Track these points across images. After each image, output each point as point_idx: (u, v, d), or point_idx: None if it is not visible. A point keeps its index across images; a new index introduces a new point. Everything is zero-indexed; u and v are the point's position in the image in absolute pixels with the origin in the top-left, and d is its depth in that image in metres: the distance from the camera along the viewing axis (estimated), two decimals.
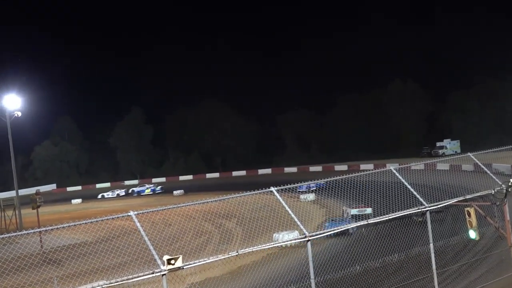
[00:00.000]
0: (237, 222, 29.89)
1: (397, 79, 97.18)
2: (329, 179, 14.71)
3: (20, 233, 11.02)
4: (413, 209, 13.54)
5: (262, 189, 13.08)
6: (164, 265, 10.17)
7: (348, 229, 13.23)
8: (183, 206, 13.17)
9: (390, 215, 13.24)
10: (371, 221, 13.01)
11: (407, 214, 13.57)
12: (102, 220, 11.63)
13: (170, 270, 10.23)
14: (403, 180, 14.44)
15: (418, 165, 20.22)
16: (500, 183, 14.85)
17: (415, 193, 13.97)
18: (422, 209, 13.47)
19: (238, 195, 14.98)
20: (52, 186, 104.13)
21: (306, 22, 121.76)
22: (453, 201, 14.54)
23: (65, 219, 41.25)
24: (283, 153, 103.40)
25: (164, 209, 13.68)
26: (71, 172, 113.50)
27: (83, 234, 29.01)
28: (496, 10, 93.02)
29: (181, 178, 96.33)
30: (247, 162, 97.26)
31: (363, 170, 16.70)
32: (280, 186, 12.96)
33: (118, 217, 11.53)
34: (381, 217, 13.15)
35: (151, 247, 10.36)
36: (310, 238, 11.79)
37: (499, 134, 75.36)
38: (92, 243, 24.79)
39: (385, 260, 14.99)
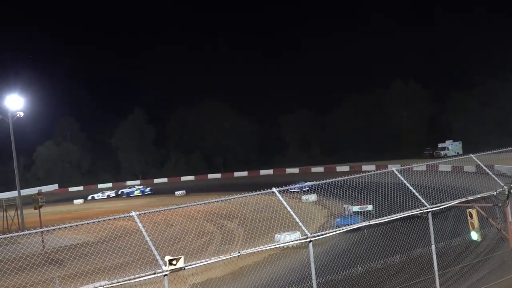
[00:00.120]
0: (238, 223, 29.91)
1: (398, 79, 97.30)
2: (330, 180, 14.71)
3: (22, 233, 11.03)
4: (415, 210, 13.53)
5: (263, 190, 13.08)
6: (165, 265, 10.17)
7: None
8: (185, 206, 13.17)
9: (392, 216, 13.23)
10: (373, 222, 12.99)
11: (409, 215, 13.57)
12: (104, 220, 11.64)
13: (172, 271, 10.24)
14: (405, 181, 14.43)
15: (420, 166, 20.20)
16: (502, 184, 14.83)
17: (417, 194, 13.96)
18: (424, 210, 13.46)
19: (240, 195, 14.99)
20: (54, 186, 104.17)
21: (306, 22, 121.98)
22: (455, 203, 14.53)
23: (67, 219, 41.33)
24: (284, 153, 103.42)
25: (166, 209, 13.68)
26: (73, 172, 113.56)
27: (85, 234, 29.01)
28: (496, 10, 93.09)
29: (183, 178, 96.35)
30: (248, 163, 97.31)
31: (365, 171, 16.68)
32: (281, 187, 12.95)
33: (120, 217, 11.54)
34: (383, 218, 13.13)
35: (152, 248, 10.36)
36: (311, 239, 11.78)
37: (500, 134, 75.25)
38: (94, 244, 24.77)
39: (387, 261, 14.96)
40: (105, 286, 9.92)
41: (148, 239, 10.46)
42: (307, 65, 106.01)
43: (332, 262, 14.70)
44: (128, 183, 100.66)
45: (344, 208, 38.19)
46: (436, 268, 13.34)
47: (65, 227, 11.09)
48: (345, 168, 75.03)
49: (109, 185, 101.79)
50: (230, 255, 11.21)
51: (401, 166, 17.32)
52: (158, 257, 10.19)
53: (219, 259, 11.09)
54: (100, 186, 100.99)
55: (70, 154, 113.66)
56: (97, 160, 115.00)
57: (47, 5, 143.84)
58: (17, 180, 50.33)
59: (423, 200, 13.65)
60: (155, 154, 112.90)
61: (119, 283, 9.91)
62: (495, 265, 17.64)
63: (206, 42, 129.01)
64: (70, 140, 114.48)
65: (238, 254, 11.23)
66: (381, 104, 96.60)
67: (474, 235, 14.36)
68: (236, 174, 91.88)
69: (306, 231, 11.88)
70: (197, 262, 10.76)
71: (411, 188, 14.22)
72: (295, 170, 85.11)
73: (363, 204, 32.62)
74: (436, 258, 13.31)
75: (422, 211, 13.47)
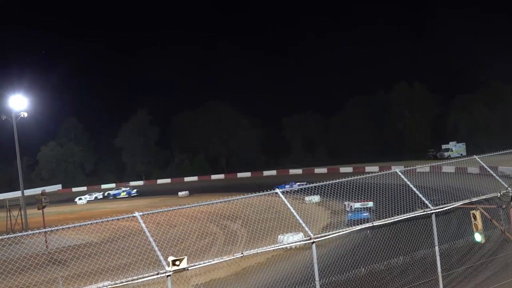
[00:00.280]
0: (242, 224, 29.87)
1: (403, 81, 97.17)
2: (334, 181, 14.70)
3: (25, 233, 11.04)
4: (419, 211, 13.50)
5: (267, 191, 13.08)
6: (169, 266, 10.17)
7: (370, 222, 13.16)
8: (188, 207, 13.16)
9: (395, 217, 13.20)
10: (376, 223, 12.97)
11: (412, 216, 13.54)
12: (107, 220, 11.66)
13: (175, 271, 10.24)
14: (409, 183, 14.40)
15: (423, 167, 20.16)
16: (506, 186, 14.80)
17: (420, 195, 13.94)
18: (428, 212, 13.43)
19: (243, 196, 14.98)
20: (57, 187, 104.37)
21: (313, 25, 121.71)
22: (459, 204, 14.50)
23: (70, 220, 41.42)
24: (288, 155, 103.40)
25: (169, 210, 13.70)
26: (76, 173, 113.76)
27: (88, 234, 29.06)
28: (504, 12, 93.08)
29: (186, 179, 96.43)
30: (252, 164, 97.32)
31: (369, 172, 16.67)
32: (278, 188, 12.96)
33: (123, 218, 11.56)
34: (386, 219, 13.12)
35: (156, 248, 10.36)
36: (315, 240, 11.77)
37: (505, 136, 75.09)
38: (98, 244, 24.82)
39: (390, 263, 14.93)
40: (108, 287, 9.93)
41: (151, 239, 10.46)
42: (312, 67, 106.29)
43: (335, 263, 14.68)
44: (132, 183, 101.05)
45: (345, 205, 39.07)
46: (439, 269, 13.31)
47: (68, 228, 11.11)
48: (348, 169, 74.94)
49: (113, 185, 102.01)
50: (233, 256, 11.21)
51: (405, 167, 17.29)
52: (161, 257, 10.20)
53: (222, 260, 11.09)
54: (103, 186, 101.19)
55: (73, 155, 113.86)
56: (101, 160, 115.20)
57: (53, 6, 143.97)
58: (20, 180, 50.43)
59: (426, 202, 13.63)
60: (158, 155, 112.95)
61: (122, 284, 9.91)
62: (499, 267, 17.58)
63: (211, 43, 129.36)
64: (74, 140, 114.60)
65: (241, 255, 11.23)
66: (385, 105, 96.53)
67: (478, 237, 14.32)
68: (240, 175, 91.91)
69: (309, 232, 11.87)
70: (200, 262, 10.76)
71: (414, 189, 14.20)
72: (299, 171, 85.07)
73: (364, 201, 34.19)
74: (440, 259, 13.29)
75: (425, 213, 13.44)
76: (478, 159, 16.59)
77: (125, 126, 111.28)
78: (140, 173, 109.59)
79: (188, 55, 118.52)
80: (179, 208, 13.09)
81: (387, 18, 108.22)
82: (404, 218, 13.39)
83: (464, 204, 14.57)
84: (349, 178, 14.53)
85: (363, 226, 13.05)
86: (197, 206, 13.72)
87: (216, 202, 14.34)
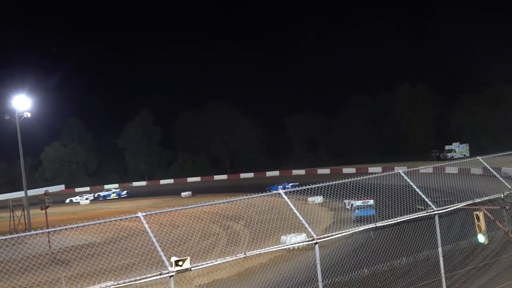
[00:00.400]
0: (244, 224, 29.89)
1: (406, 82, 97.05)
2: (337, 182, 14.68)
3: (28, 233, 11.06)
4: (422, 212, 13.49)
5: (262, 192, 13.09)
6: (171, 266, 10.17)
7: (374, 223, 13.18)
8: (191, 207, 13.14)
9: (398, 218, 13.19)
10: (379, 224, 12.95)
11: (415, 217, 13.52)
12: (110, 221, 11.66)
13: (178, 272, 10.24)
14: (412, 183, 14.38)
15: (426, 168, 20.13)
16: (510, 187, 14.77)
17: (423, 196, 13.92)
18: (431, 213, 13.41)
19: (246, 197, 14.98)
20: (60, 187, 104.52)
21: (313, 25, 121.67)
22: (462, 205, 14.47)
23: (73, 220, 41.46)
24: (291, 155, 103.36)
25: (172, 210, 13.69)
26: (79, 173, 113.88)
27: (91, 235, 29.07)
28: (506, 13, 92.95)
29: (189, 179, 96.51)
30: (255, 165, 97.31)
31: (372, 173, 16.66)
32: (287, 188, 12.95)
33: (126, 218, 11.56)
34: (389, 220, 13.10)
35: (159, 249, 10.36)
36: (318, 240, 11.76)
37: (508, 136, 74.94)
38: (100, 244, 24.84)
39: (393, 264, 14.91)
40: (111, 287, 9.93)
41: (154, 240, 10.46)
42: (315, 67, 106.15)
43: (338, 263, 14.66)
44: (135, 184, 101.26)
45: (345, 203, 39.69)
46: (442, 270, 13.29)
47: (71, 228, 11.11)
48: (351, 170, 74.97)
49: (116, 185, 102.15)
50: (236, 256, 11.20)
51: (408, 168, 17.27)
52: (164, 258, 10.20)
53: (225, 260, 11.08)
54: (106, 186, 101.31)
55: (77, 155, 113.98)
56: (104, 161, 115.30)
57: (56, 6, 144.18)
58: (24, 180, 50.51)
59: (430, 203, 13.61)
60: (161, 155, 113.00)
61: (125, 284, 9.92)
62: (502, 268, 17.53)
63: (211, 43, 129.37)
64: (77, 141, 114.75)
65: (244, 256, 11.23)
66: (388, 106, 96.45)
67: (481, 238, 14.28)
68: (242, 175, 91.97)
69: (312, 233, 11.85)
70: (203, 263, 10.76)
71: (417, 190, 14.18)
72: (302, 172, 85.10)
73: (365, 199, 35.50)
74: (443, 260, 13.27)
75: (428, 214, 13.42)
76: (482, 160, 16.56)
77: (128, 127, 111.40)
78: (143, 173, 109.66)
79: (188, 55, 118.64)
80: (182, 209, 13.09)
81: (387, 18, 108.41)
82: (408, 219, 13.38)
83: (467, 205, 14.54)
84: (350, 180, 14.51)
85: (366, 227, 13.03)
86: (200, 206, 13.71)
87: (219, 203, 14.34)
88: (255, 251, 11.51)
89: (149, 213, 11.21)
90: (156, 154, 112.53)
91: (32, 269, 16.81)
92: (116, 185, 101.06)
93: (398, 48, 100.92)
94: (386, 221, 13.09)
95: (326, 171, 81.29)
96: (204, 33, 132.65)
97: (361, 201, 37.23)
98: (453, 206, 14.19)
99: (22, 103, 50.28)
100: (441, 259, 13.25)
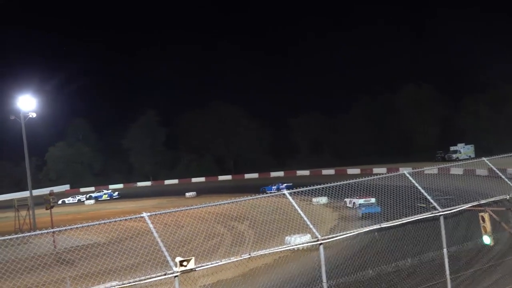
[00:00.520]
0: (249, 225, 29.83)
1: (410, 83, 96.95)
2: (342, 183, 14.67)
3: (34, 233, 11.10)
4: (427, 213, 13.45)
5: (265, 192, 13.11)
6: (176, 266, 10.18)
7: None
8: (195, 208, 13.16)
9: (403, 219, 13.16)
10: (384, 225, 12.93)
11: (420, 218, 13.49)
12: (115, 221, 11.68)
13: (183, 272, 10.24)
14: (417, 184, 14.35)
15: (431, 169, 20.06)
16: None
17: (429, 197, 13.89)
18: (436, 214, 13.38)
19: (251, 197, 14.98)
20: (65, 187, 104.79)
21: (320, 26, 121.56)
22: (467, 206, 14.43)
23: (78, 220, 41.55)
24: (296, 156, 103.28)
25: (177, 210, 13.71)
26: (84, 173, 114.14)
27: (96, 234, 29.09)
28: (506, 13, 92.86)
29: (194, 180, 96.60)
30: (260, 165, 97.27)
31: (376, 174, 16.64)
32: (292, 189, 12.94)
33: (131, 218, 11.58)
34: (394, 221, 13.07)
35: (163, 249, 10.37)
36: (322, 241, 11.74)
37: None
38: (105, 244, 24.85)
39: (398, 265, 14.88)
40: (116, 287, 9.95)
41: (159, 240, 10.47)
42: (321, 69, 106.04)
43: (343, 264, 14.64)
44: (139, 184, 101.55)
45: (346, 201, 40.13)
46: (447, 272, 13.25)
47: (76, 228, 11.14)
48: (356, 170, 74.87)
49: (120, 186, 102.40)
50: (241, 257, 11.20)
51: (413, 169, 17.22)
52: (169, 258, 10.21)
53: (230, 261, 11.09)
54: (111, 187, 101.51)
55: (82, 155, 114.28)
56: (109, 161, 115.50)
57: (61, 6, 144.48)
58: (28, 180, 50.65)
59: (434, 204, 13.58)
60: (166, 156, 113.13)
61: (130, 284, 9.93)
62: (508, 270, 17.47)
63: (213, 43, 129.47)
64: (82, 141, 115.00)
65: (249, 256, 11.23)
66: (395, 107, 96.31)
67: (487, 239, 14.24)
68: (247, 176, 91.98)
69: (317, 234, 11.84)
70: (207, 263, 10.76)
71: (422, 191, 14.15)
72: (306, 172, 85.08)
73: (367, 197, 37.16)
74: (448, 262, 13.23)
75: (434, 215, 13.39)
76: (487, 161, 16.52)
77: (132, 127, 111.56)
78: (147, 173, 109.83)
79: (189, 55, 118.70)
80: (186, 209, 13.10)
81: (387, 18, 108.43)
82: (412, 220, 13.35)
83: (472, 206, 14.50)
84: (359, 180, 14.48)
85: (371, 227, 13.01)
86: (204, 207, 13.72)
87: (224, 203, 14.34)
88: (259, 252, 11.51)
89: (154, 213, 11.23)
90: (161, 154, 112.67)
91: (37, 269, 16.85)
92: (121, 185, 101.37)
93: (400, 49, 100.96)
94: (391, 222, 13.06)
95: (331, 171, 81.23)
96: (204, 33, 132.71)
97: (363, 199, 38.43)
98: (458, 207, 14.14)
99: (27, 103, 50.38)
100: (446, 260, 13.22)
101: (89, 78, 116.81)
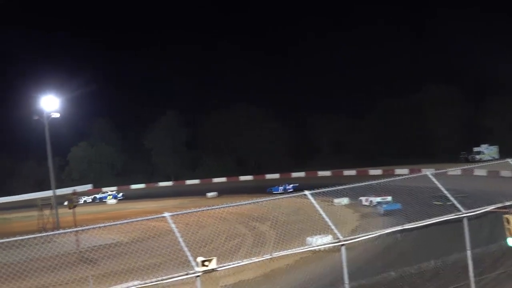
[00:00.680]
0: (270, 225, 29.82)
1: (433, 82, 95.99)
2: (364, 184, 14.59)
3: (57, 232, 11.22)
4: (450, 215, 13.31)
5: (295, 193, 13.08)
6: (198, 266, 10.20)
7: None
8: (216, 208, 13.20)
9: (426, 220, 13.04)
10: (406, 226, 12.83)
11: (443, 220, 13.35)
12: (137, 220, 11.77)
13: (204, 272, 10.26)
14: (440, 185, 14.21)
15: (454, 170, 19.85)
16: None
17: (451, 198, 13.74)
18: (460, 216, 13.23)
19: (272, 198, 15.01)
20: (88, 187, 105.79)
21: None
22: (491, 208, 14.25)
23: (100, 219, 41.90)
24: (317, 157, 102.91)
25: (198, 210, 13.77)
26: (106, 173, 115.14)
27: (118, 234, 29.32)
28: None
29: (215, 180, 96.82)
30: (281, 166, 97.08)
31: (398, 175, 16.52)
32: (314, 190, 12.89)
33: (153, 218, 11.65)
34: (417, 222, 12.96)
35: (185, 248, 10.40)
36: (344, 242, 11.68)
37: None
38: (128, 244, 25.04)
39: (421, 266, 14.75)
40: (138, 286, 10.01)
41: (181, 240, 10.50)
42: (343, 69, 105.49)
43: (365, 266, 14.57)
44: (161, 184, 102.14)
45: (361, 200, 40.82)
46: (471, 274, 13.10)
47: (99, 227, 11.23)
48: (378, 171, 74.38)
49: (142, 186, 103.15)
50: (262, 257, 11.19)
51: (436, 170, 17.06)
52: (190, 258, 10.23)
53: (251, 261, 11.09)
54: (133, 186, 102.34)
55: (104, 155, 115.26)
56: (131, 161, 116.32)
57: (83, 7, 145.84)
58: (52, 180, 51.11)
59: (458, 205, 13.42)
60: (187, 156, 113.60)
61: (152, 283, 9.98)
62: None
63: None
64: (104, 141, 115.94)
65: (270, 257, 11.22)
66: (417, 108, 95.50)
67: (511, 242, 14.05)
68: (268, 176, 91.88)
69: (338, 235, 11.78)
70: (229, 263, 10.77)
71: (445, 192, 14.00)
72: (327, 173, 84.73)
73: (383, 195, 38.73)
74: (472, 264, 13.08)
75: (457, 216, 13.24)
76: (511, 163, 16.29)
77: (154, 127, 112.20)
78: (169, 173, 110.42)
79: (219, 56, 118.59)
80: (208, 209, 13.15)
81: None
82: (435, 222, 13.22)
83: (497, 208, 14.31)
84: (381, 181, 14.39)
85: (393, 229, 12.91)
86: (226, 207, 13.75)
87: (245, 204, 14.36)
88: (281, 252, 11.50)
89: (176, 213, 11.27)
90: (182, 154, 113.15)
91: (60, 268, 17.05)
92: (143, 185, 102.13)
93: (426, 48, 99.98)
94: (413, 223, 12.95)
95: (352, 172, 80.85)
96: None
97: (380, 198, 39.72)
98: (482, 209, 13.96)
99: (51, 103, 50.81)
100: (470, 262, 13.06)
101: (111, 78, 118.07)
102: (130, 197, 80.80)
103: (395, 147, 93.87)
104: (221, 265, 10.53)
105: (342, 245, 11.65)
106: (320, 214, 12.31)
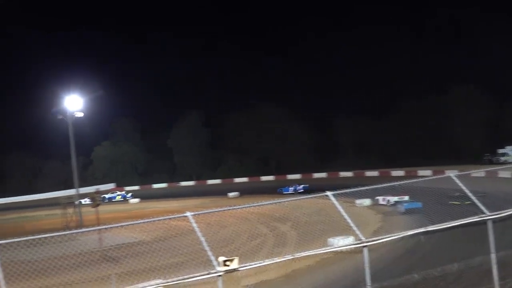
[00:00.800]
0: (291, 226, 29.80)
1: (457, 84, 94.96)
2: (385, 185, 14.50)
3: (81, 230, 11.35)
4: (475, 217, 13.15)
5: (317, 193, 13.04)
6: (219, 266, 10.23)
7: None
8: (238, 208, 13.22)
9: (450, 222, 12.90)
10: (430, 228, 12.71)
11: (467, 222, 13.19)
12: (159, 220, 11.84)
13: (226, 272, 10.29)
14: (463, 187, 14.05)
15: (478, 172, 19.63)
16: None
17: (475, 200, 13.58)
18: (484, 218, 13.07)
19: (293, 198, 14.98)
20: (111, 186, 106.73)
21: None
22: None
23: (122, 218, 42.23)
24: (339, 157, 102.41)
25: (220, 210, 13.82)
26: (129, 172, 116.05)
27: (140, 233, 29.54)
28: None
29: (236, 180, 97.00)
30: (303, 166, 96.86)
31: (421, 176, 16.38)
32: (336, 190, 12.84)
33: (175, 217, 11.71)
34: (440, 224, 12.83)
35: (207, 248, 10.43)
36: (366, 244, 11.62)
37: None
38: (150, 242, 25.20)
39: (444, 269, 14.60)
40: (160, 285, 10.07)
41: (202, 239, 10.54)
42: (365, 70, 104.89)
43: (387, 267, 14.46)
44: (182, 184, 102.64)
45: (378, 199, 41.33)
46: (496, 277, 12.93)
47: (122, 226, 11.32)
48: (400, 172, 73.83)
49: (164, 185, 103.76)
50: (284, 257, 11.19)
51: (459, 171, 16.88)
52: (212, 257, 10.26)
53: (273, 261, 11.09)
54: (155, 186, 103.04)
55: (126, 155, 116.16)
56: (153, 160, 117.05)
57: (107, 5, 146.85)
58: (75, 179, 51.66)
59: (482, 207, 13.26)
60: (209, 156, 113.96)
61: (174, 282, 10.04)
62: None
63: (262, 45, 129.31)
64: (127, 140, 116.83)
65: (292, 257, 11.20)
66: (441, 109, 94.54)
67: None
68: (290, 176, 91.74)
69: (361, 236, 11.72)
70: (250, 263, 10.78)
71: (469, 194, 13.84)
72: (349, 174, 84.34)
73: (401, 195, 39.52)
74: (497, 267, 12.91)
75: (481, 219, 13.07)
76: None
77: (177, 127, 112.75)
78: (191, 173, 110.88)
79: (242, 57, 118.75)
80: (229, 209, 13.18)
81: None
82: (459, 224, 13.07)
83: None
84: (404, 182, 14.30)
85: (416, 230, 12.80)
86: (247, 207, 13.77)
87: (266, 204, 14.36)
88: (302, 253, 11.48)
89: (197, 212, 11.32)
90: (204, 154, 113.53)
91: (83, 266, 17.22)
92: (165, 185, 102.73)
93: (451, 50, 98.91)
94: (437, 225, 12.83)
95: (375, 173, 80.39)
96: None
97: (398, 197, 40.38)
98: (508, 211, 13.77)
99: (74, 103, 51.29)
100: (494, 266, 12.89)
101: (134, 78, 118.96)
102: (152, 196, 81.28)
103: (418, 149, 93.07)
104: (242, 265, 10.55)
105: (364, 246, 11.59)
106: (342, 215, 12.25)
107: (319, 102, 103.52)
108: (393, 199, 40.99)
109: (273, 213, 31.84)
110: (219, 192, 73.53)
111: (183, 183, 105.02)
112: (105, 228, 11.65)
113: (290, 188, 65.67)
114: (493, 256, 12.90)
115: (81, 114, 51.43)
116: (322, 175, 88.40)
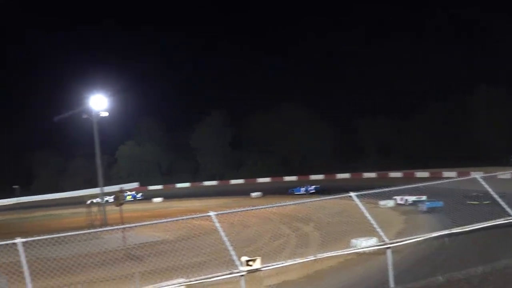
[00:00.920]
0: (314, 226, 29.72)
1: (482, 84, 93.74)
2: (409, 186, 14.38)
3: (105, 229, 11.48)
4: (500, 219, 12.98)
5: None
6: (242, 266, 10.24)
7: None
8: (261, 208, 13.22)
9: (475, 224, 12.75)
10: (454, 230, 12.57)
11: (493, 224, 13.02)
12: (182, 219, 11.91)
13: (248, 271, 10.29)
14: (489, 189, 13.86)
15: (505, 174, 19.36)
16: None
17: (502, 203, 13.39)
18: (510, 220, 12.88)
19: (316, 199, 14.95)
20: (134, 185, 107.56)
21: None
22: None
23: (146, 217, 42.55)
24: (363, 158, 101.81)
25: (243, 210, 13.83)
26: (153, 172, 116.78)
27: (163, 232, 29.70)
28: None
29: (259, 180, 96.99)
30: (326, 167, 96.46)
31: (446, 178, 16.22)
32: (359, 191, 12.77)
33: (198, 217, 11.77)
34: (465, 226, 12.69)
35: (229, 248, 10.44)
36: (390, 245, 11.53)
37: None
38: (173, 242, 25.34)
39: (468, 271, 14.43)
40: (182, 284, 10.13)
41: (225, 239, 10.55)
42: (390, 71, 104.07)
43: (411, 269, 14.34)
44: (206, 183, 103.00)
45: (395, 199, 41.79)
46: None
47: (145, 225, 11.42)
48: (425, 174, 73.17)
49: (187, 185, 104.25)
50: (306, 258, 11.16)
51: (485, 173, 16.66)
52: (235, 257, 10.27)
53: (295, 262, 11.06)
54: (178, 185, 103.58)
55: (150, 154, 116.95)
56: (177, 160, 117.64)
57: (131, 5, 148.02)
58: (100, 178, 52.21)
59: (508, 209, 13.08)
60: (232, 156, 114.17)
61: (196, 281, 10.08)
62: None
63: (286, 46, 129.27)
64: (151, 140, 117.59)
65: (314, 258, 11.16)
66: (465, 110, 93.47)
67: None
68: (312, 177, 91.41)
69: (384, 237, 11.63)
70: (273, 263, 10.78)
71: (495, 196, 13.64)
72: (373, 175, 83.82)
73: (419, 195, 39.86)
74: None
75: (508, 221, 12.90)
76: None
77: (200, 126, 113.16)
78: (214, 173, 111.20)
79: (265, 57, 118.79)
80: (252, 209, 13.19)
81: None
82: (484, 226, 12.91)
83: None
84: (428, 183, 14.18)
85: (440, 232, 12.67)
86: (270, 207, 13.78)
87: (289, 204, 14.35)
88: (325, 254, 11.44)
89: (220, 212, 11.34)
90: (227, 154, 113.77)
91: (108, 264, 17.38)
92: (188, 184, 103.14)
93: (476, 50, 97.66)
94: (461, 227, 12.68)
95: (398, 174, 79.75)
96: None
97: (416, 197, 40.75)
98: None
99: (100, 102, 51.82)
100: None
101: (159, 78, 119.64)
102: (175, 195, 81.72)
103: (443, 150, 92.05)
104: (265, 265, 10.55)
105: (388, 247, 11.50)
106: (365, 216, 12.17)
107: (343, 102, 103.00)
108: (411, 198, 41.43)
109: (296, 213, 31.78)
110: (242, 192, 73.54)
111: (206, 183, 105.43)
112: (129, 227, 11.75)
113: (302, 189, 65.44)
114: None
115: (106, 114, 51.93)
116: (346, 175, 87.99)
